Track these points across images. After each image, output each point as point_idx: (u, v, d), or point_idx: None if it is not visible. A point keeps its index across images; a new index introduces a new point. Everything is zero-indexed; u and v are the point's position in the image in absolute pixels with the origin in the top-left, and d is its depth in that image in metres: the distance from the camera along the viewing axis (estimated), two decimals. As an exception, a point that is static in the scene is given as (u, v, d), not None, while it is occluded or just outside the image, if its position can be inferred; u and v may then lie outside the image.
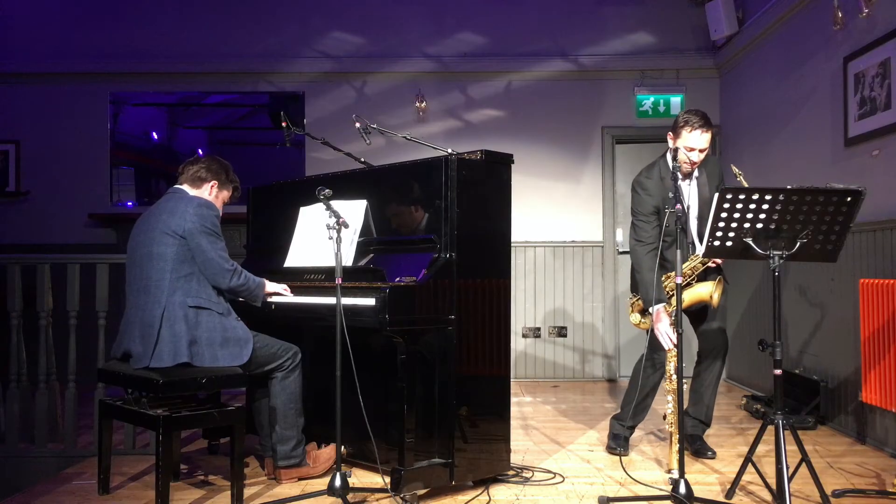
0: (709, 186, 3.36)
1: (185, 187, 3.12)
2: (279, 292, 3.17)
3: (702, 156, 3.28)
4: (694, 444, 3.55)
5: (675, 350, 2.92)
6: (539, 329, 6.10)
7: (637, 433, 3.89)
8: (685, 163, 3.25)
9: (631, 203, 3.47)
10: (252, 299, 3.08)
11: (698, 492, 2.80)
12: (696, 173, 3.37)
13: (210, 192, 3.15)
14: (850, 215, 2.71)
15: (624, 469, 3.29)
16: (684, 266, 3.19)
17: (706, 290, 3.30)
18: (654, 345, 3.27)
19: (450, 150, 3.02)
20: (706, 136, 3.24)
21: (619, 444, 3.60)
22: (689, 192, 3.38)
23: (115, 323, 3.24)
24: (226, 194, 3.22)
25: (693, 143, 3.23)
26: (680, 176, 3.13)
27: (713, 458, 3.48)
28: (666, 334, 3.18)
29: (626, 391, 3.70)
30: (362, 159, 3.62)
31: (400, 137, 3.46)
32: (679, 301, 2.83)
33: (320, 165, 5.92)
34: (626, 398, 3.65)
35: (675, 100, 6.07)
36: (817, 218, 2.71)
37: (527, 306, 6.09)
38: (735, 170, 3.15)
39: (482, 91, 6.21)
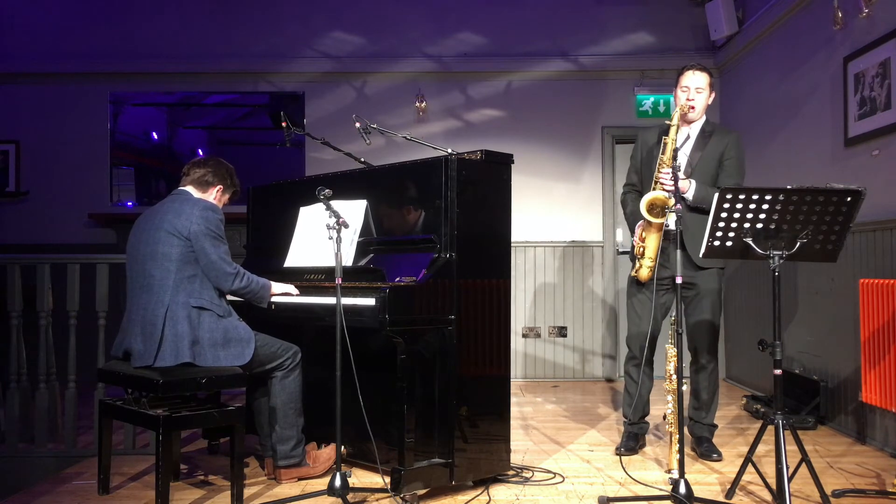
0: (713, 143, 3.46)
1: (190, 189, 3.12)
2: (287, 292, 3.17)
3: (699, 96, 3.41)
4: (701, 447, 3.55)
5: (676, 333, 2.90)
6: (539, 329, 6.10)
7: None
8: (684, 105, 3.37)
9: None
10: (257, 301, 3.08)
11: (698, 492, 2.80)
12: (701, 124, 3.50)
13: (215, 197, 3.16)
14: (850, 215, 2.71)
15: (624, 469, 3.29)
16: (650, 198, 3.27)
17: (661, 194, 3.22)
18: (629, 342, 3.60)
19: (450, 150, 3.02)
20: (699, 74, 3.42)
21: (628, 444, 3.62)
22: (685, 138, 3.49)
23: (114, 323, 3.24)
24: (226, 198, 3.24)
25: (686, 82, 3.42)
26: (678, 122, 3.31)
27: (719, 460, 3.46)
28: (635, 237, 3.44)
29: (623, 395, 3.76)
30: (362, 159, 3.62)
31: (400, 137, 3.46)
32: (679, 305, 2.83)
33: (320, 165, 5.92)
34: (623, 400, 3.72)
35: (676, 100, 6.07)
36: (817, 218, 2.71)
37: (527, 306, 6.09)
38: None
39: (482, 91, 6.21)
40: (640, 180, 3.58)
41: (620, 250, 6.05)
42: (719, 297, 3.51)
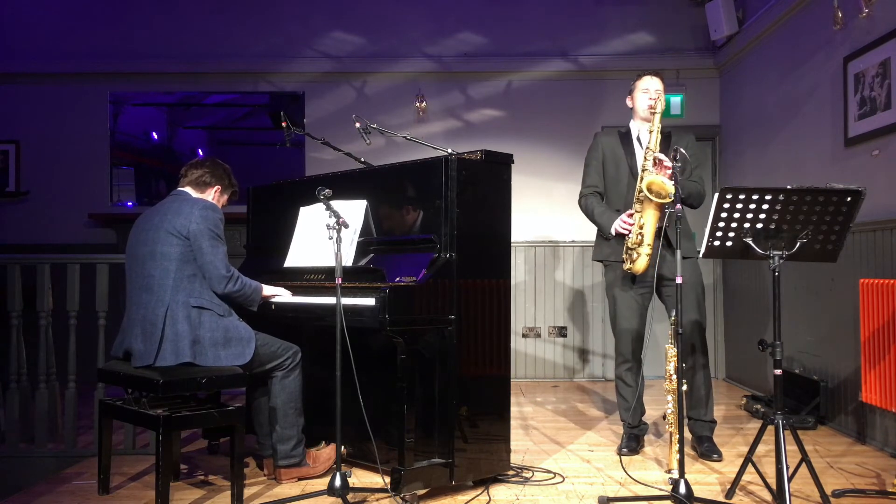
0: (675, 140, 3.55)
1: (189, 190, 3.12)
2: (278, 294, 3.17)
3: (657, 95, 3.51)
4: (702, 446, 3.55)
5: (676, 333, 2.89)
6: (539, 329, 6.10)
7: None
8: (647, 104, 3.47)
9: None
10: (248, 304, 3.07)
11: (698, 492, 2.80)
12: (658, 123, 3.53)
13: (213, 197, 3.16)
14: (850, 215, 2.71)
15: (624, 469, 3.29)
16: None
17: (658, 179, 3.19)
18: (619, 345, 3.61)
19: (450, 150, 3.02)
20: (656, 79, 3.63)
21: (630, 445, 3.62)
22: (646, 136, 3.50)
23: (114, 323, 3.24)
24: (225, 198, 3.24)
25: (646, 85, 3.61)
26: (642, 122, 3.52)
27: (719, 460, 3.47)
28: (620, 224, 3.41)
29: (616, 400, 3.75)
30: (362, 159, 3.62)
31: (400, 137, 3.46)
32: (678, 306, 2.83)
33: (320, 165, 5.92)
34: (619, 405, 3.71)
35: (675, 100, 6.05)
36: (817, 218, 2.71)
37: (527, 306, 6.09)
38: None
39: (482, 91, 6.21)
40: (603, 182, 3.65)
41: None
42: (703, 290, 3.57)
